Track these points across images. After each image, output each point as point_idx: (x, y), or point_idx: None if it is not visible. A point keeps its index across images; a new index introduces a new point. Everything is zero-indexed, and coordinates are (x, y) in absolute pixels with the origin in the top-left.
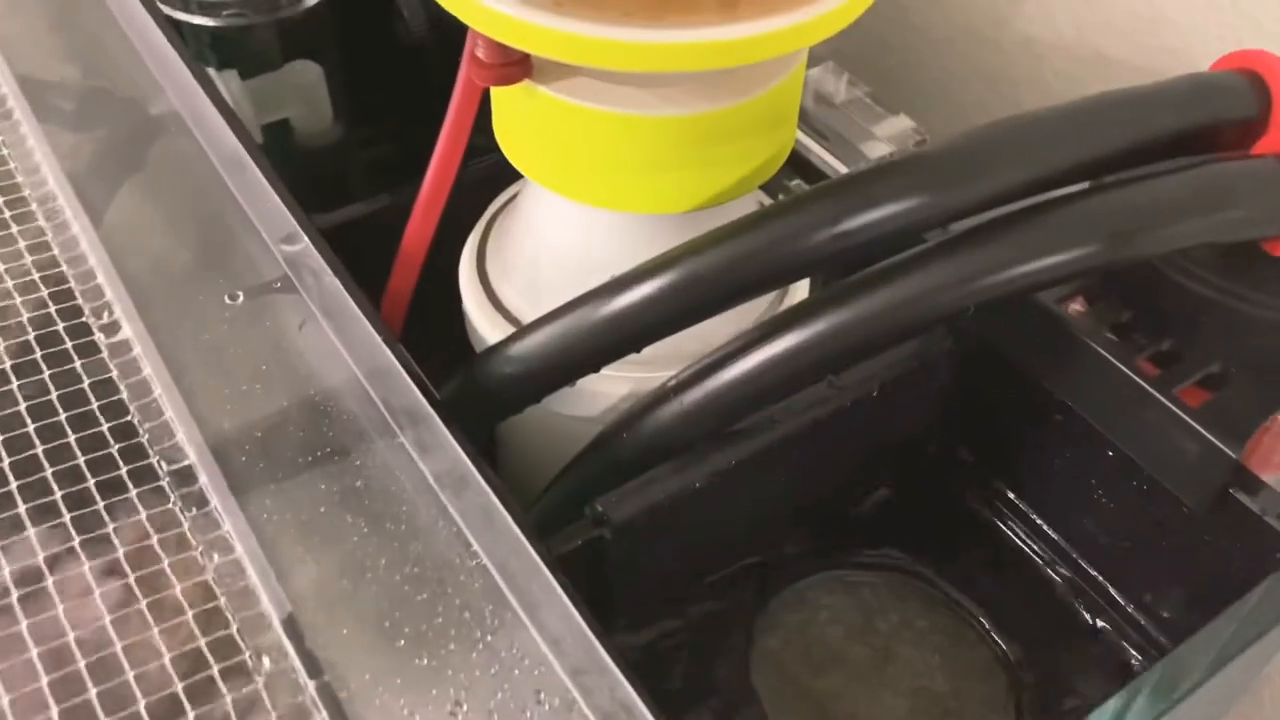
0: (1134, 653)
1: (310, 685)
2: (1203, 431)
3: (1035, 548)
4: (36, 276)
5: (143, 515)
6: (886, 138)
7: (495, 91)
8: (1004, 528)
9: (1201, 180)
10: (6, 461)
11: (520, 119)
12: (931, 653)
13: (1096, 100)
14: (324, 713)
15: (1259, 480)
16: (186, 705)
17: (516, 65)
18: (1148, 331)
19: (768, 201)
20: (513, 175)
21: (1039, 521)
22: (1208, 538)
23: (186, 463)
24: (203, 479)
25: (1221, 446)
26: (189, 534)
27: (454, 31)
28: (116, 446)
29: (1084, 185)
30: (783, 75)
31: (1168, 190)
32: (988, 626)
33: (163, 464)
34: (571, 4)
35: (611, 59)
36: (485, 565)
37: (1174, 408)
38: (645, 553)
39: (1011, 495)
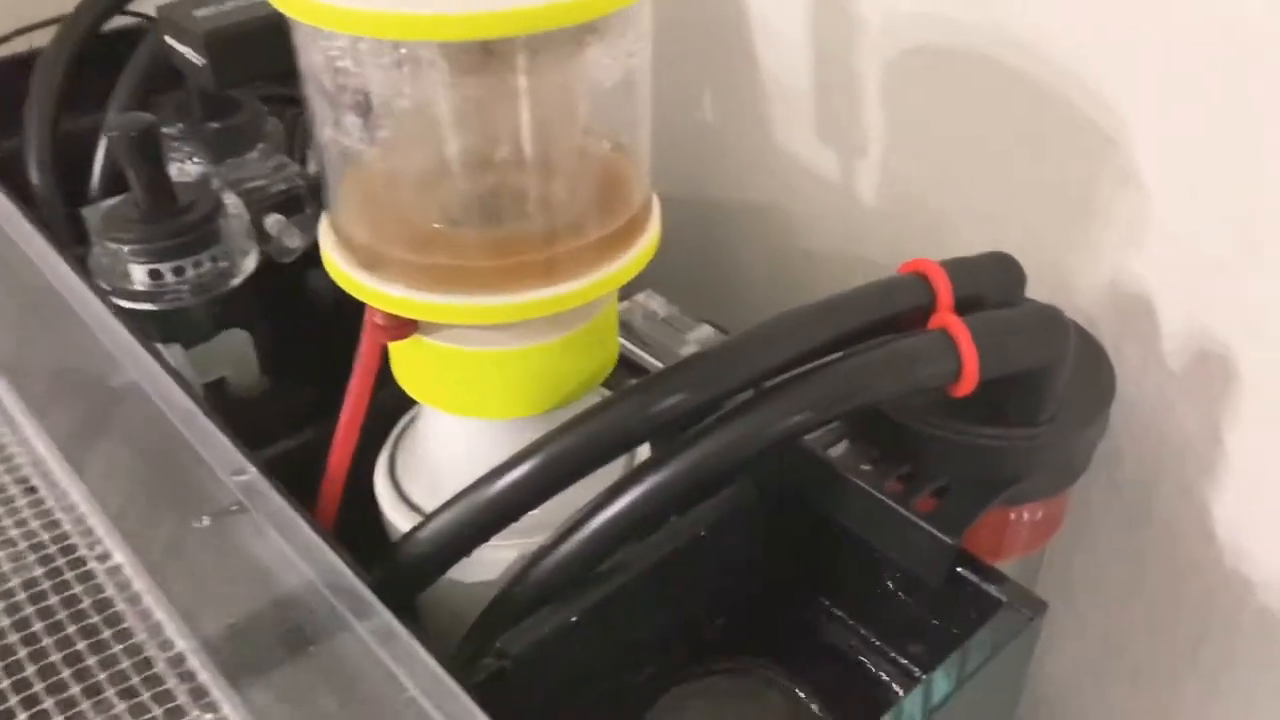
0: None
1: None
2: (929, 529)
3: (834, 633)
4: (36, 525)
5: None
6: (695, 341)
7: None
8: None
9: (892, 352)
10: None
11: (413, 361)
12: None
13: (821, 304)
14: None
15: (978, 560)
16: None
17: (409, 324)
18: (891, 462)
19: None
20: (408, 403)
21: (838, 613)
22: (947, 602)
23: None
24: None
25: (943, 537)
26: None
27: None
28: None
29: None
30: (597, 313)
31: (872, 360)
32: (802, 695)
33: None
34: (445, 283)
35: (475, 317)
36: (415, 697)
37: (910, 515)
38: (540, 676)
39: (825, 600)
